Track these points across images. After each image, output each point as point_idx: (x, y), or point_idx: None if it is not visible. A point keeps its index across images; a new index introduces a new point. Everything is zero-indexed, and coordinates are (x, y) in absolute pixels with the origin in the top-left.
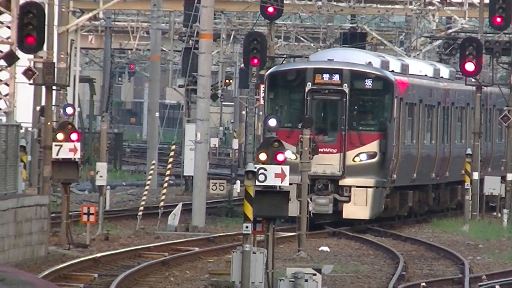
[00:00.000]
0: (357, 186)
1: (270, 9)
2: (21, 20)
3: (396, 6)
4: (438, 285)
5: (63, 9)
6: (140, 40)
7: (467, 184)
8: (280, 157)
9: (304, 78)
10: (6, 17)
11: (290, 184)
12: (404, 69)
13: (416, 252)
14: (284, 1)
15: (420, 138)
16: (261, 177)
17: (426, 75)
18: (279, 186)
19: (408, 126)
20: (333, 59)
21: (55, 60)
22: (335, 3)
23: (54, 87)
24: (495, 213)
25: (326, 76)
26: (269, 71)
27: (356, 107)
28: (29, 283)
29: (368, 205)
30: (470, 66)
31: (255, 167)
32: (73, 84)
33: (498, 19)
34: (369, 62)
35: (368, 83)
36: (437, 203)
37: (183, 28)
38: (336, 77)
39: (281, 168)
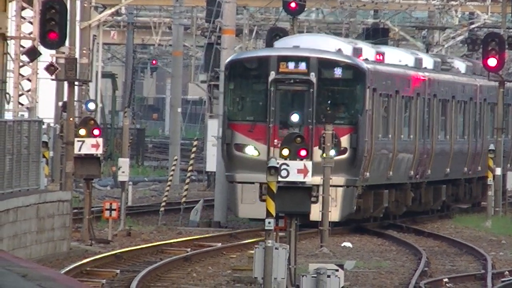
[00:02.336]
0: None
1: (293, 5)
2: (43, 15)
3: (419, 1)
4: (461, 281)
5: (85, 5)
6: (162, 36)
7: (490, 180)
8: (302, 152)
9: (267, 67)
10: (28, 13)
11: (252, 183)
12: (380, 57)
13: (439, 248)
14: None
15: (397, 132)
16: (284, 173)
17: (406, 65)
18: (302, 182)
19: (382, 119)
20: (299, 46)
21: (77, 55)
22: None
23: (76, 83)
24: None
25: (291, 65)
26: (229, 58)
27: (324, 99)
28: (51, 279)
29: (337, 206)
30: (492, 62)
31: (278, 163)
32: (95, 79)
33: None
34: (338, 49)
35: (338, 72)
36: (418, 203)
37: (206, 23)
38: (303, 66)
39: (304, 164)
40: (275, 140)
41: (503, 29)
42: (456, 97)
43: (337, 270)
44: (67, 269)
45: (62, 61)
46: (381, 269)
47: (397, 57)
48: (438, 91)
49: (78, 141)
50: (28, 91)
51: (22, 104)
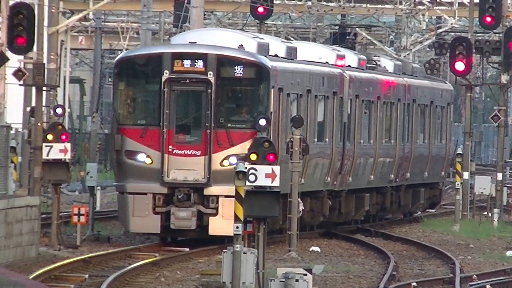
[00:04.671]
0: (226, 196)
1: (260, 9)
2: (11, 21)
3: (386, 6)
4: (429, 285)
5: (53, 10)
6: (130, 41)
7: (458, 184)
8: (271, 157)
9: (160, 65)
10: None
11: (145, 194)
12: (291, 54)
13: (407, 252)
14: (274, 1)
15: (309, 136)
16: (252, 177)
17: (326, 62)
18: (270, 187)
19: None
20: (196, 42)
21: (45, 61)
22: (324, 3)
23: (44, 88)
24: (485, 213)
25: (187, 63)
26: (119, 56)
27: (224, 100)
28: (20, 284)
29: None
30: (460, 66)
31: (245, 167)
32: (63, 84)
33: (488, 19)
34: (240, 45)
35: (239, 71)
36: (337, 213)
37: (173, 28)
38: (200, 64)
39: (272, 168)
40: (170, 147)
41: (470, 33)
42: (382, 97)
43: (305, 275)
44: (35, 274)
45: (30, 66)
46: (350, 273)
47: (316, 54)
48: (361, 91)
49: (46, 146)
50: None
51: None
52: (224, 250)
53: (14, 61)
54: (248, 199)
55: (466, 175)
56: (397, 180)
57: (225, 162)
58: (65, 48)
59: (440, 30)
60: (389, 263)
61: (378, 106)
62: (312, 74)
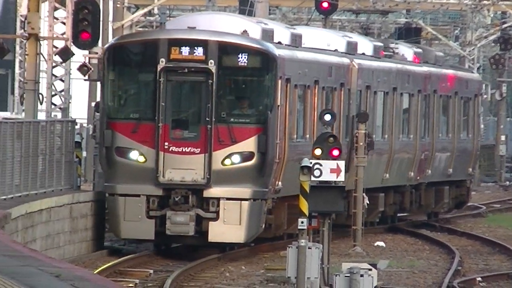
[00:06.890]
0: (228, 199)
1: (325, 4)
2: (76, 16)
3: (451, 1)
4: (494, 280)
5: (118, 5)
6: None
7: None
8: (335, 152)
9: (155, 53)
10: (61, 13)
11: (138, 196)
12: (296, 41)
13: (472, 247)
14: None
15: (316, 132)
16: (317, 172)
17: (336, 50)
18: (335, 181)
19: (298, 116)
20: (195, 27)
21: None
22: None
23: None
24: None
25: (185, 50)
26: (110, 42)
27: (226, 92)
28: (85, 279)
29: (242, 223)
30: None
31: (310, 162)
32: None
33: None
34: (244, 31)
35: (243, 60)
36: (346, 214)
37: None
38: (199, 51)
39: (337, 163)
40: (166, 143)
41: None
42: (399, 88)
43: (370, 270)
44: (100, 269)
45: (95, 61)
46: (414, 268)
47: (324, 41)
48: (372, 81)
49: None
50: (61, 91)
51: (55, 105)
52: (289, 245)
53: (79, 56)
54: (313, 194)
55: None
56: (418, 178)
57: (227, 161)
58: None
59: (505, 25)
60: (454, 258)
61: (394, 97)
62: (320, 63)
